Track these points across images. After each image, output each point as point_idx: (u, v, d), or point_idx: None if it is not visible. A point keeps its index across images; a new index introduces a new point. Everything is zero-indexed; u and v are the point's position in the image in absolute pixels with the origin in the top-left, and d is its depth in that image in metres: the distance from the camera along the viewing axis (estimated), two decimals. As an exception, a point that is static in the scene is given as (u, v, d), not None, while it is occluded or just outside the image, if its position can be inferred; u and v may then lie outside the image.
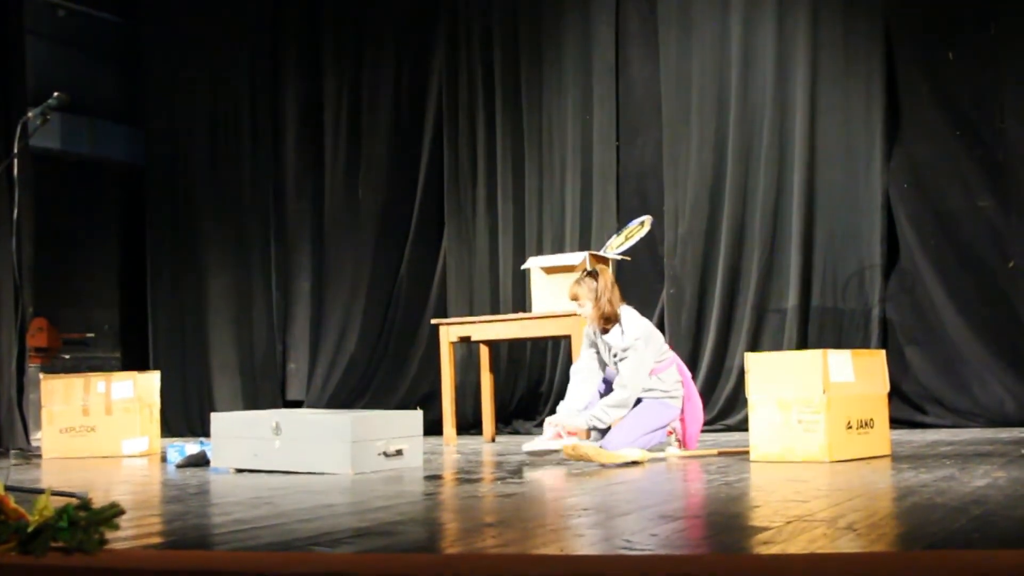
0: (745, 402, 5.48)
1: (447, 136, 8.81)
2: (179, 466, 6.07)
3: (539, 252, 8.08)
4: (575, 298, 5.75)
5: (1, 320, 7.90)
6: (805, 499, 3.77)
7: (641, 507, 3.84)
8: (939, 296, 7.16)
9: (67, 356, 9.41)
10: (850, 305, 7.37)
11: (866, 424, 5.29)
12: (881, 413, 5.41)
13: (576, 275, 5.87)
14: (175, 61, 9.68)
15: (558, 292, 6.65)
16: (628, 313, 5.72)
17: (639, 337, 5.61)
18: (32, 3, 8.69)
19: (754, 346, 7.38)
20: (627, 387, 5.60)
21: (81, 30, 9.54)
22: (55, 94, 4.50)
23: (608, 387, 5.76)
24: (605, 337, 5.73)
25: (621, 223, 7.59)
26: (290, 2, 9.52)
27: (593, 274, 5.77)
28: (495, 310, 8.23)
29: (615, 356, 5.69)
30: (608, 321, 5.69)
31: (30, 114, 4.54)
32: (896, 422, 6.42)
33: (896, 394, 6.55)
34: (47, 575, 2.67)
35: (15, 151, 4.55)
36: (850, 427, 5.21)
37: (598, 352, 5.84)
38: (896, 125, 7.35)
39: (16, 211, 4.85)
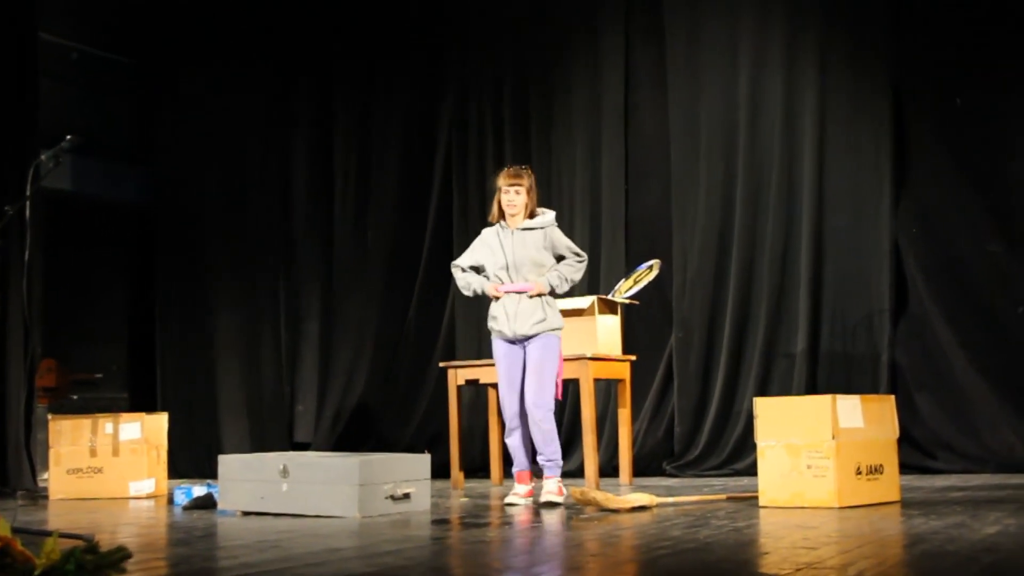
0: (753, 447, 5.47)
1: (456, 180, 8.84)
2: (186, 508, 6.05)
3: (547, 295, 8.06)
4: (521, 184, 5.84)
5: (10, 360, 7.91)
6: (814, 546, 3.75)
7: (649, 553, 3.82)
8: (948, 341, 7.14)
9: (75, 396, 9.40)
10: (859, 350, 7.35)
11: (876, 470, 5.27)
12: (891, 459, 5.38)
13: (522, 175, 5.89)
14: (187, 104, 9.73)
15: (567, 337, 6.64)
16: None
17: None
18: (46, 45, 8.75)
19: (763, 390, 7.36)
20: (580, 264, 5.83)
21: (94, 72, 9.61)
22: (68, 137, 4.52)
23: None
24: (523, 233, 5.81)
25: (630, 267, 7.60)
26: (302, 48, 9.59)
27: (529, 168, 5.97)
28: (503, 353, 8.20)
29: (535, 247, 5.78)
30: (532, 216, 5.85)
31: (43, 157, 4.56)
32: (906, 467, 6.39)
33: (906, 439, 6.52)
34: (54, 619, 2.66)
35: (27, 194, 4.57)
36: (859, 473, 5.19)
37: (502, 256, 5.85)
38: (904, 170, 7.37)
39: (27, 252, 4.87)
